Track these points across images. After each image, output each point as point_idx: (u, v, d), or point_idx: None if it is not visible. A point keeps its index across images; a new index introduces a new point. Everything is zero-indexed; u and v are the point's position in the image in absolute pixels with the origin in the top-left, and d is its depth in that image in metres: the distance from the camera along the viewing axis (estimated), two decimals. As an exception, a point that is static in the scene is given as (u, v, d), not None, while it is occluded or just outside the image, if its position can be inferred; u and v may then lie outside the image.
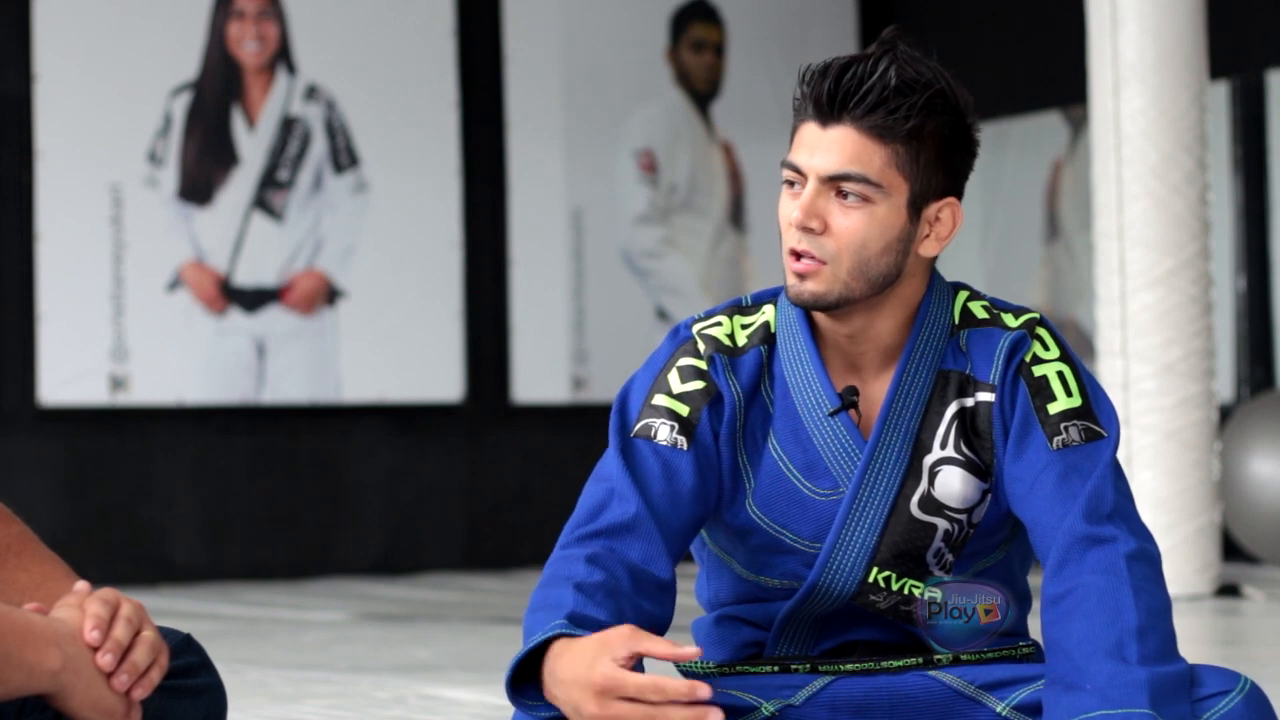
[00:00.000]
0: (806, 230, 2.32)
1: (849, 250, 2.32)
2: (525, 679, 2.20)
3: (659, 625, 2.31)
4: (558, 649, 2.14)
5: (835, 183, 2.32)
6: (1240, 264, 9.11)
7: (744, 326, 2.44)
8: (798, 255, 2.33)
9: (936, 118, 2.31)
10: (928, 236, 2.37)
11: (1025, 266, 9.94)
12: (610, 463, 2.36)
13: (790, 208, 2.34)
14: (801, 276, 2.33)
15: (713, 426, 2.39)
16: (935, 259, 2.41)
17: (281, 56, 9.14)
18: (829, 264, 2.32)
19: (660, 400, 2.39)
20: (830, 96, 2.31)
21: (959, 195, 2.38)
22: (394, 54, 9.34)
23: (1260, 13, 9.04)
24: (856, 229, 2.32)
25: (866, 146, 2.30)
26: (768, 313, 2.44)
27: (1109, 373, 6.97)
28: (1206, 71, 7.10)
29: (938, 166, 2.33)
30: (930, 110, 2.31)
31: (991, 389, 2.38)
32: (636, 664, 2.12)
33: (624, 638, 2.10)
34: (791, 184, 2.35)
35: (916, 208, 2.34)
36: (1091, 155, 7.16)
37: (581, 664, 2.10)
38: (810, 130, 2.33)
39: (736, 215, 10.11)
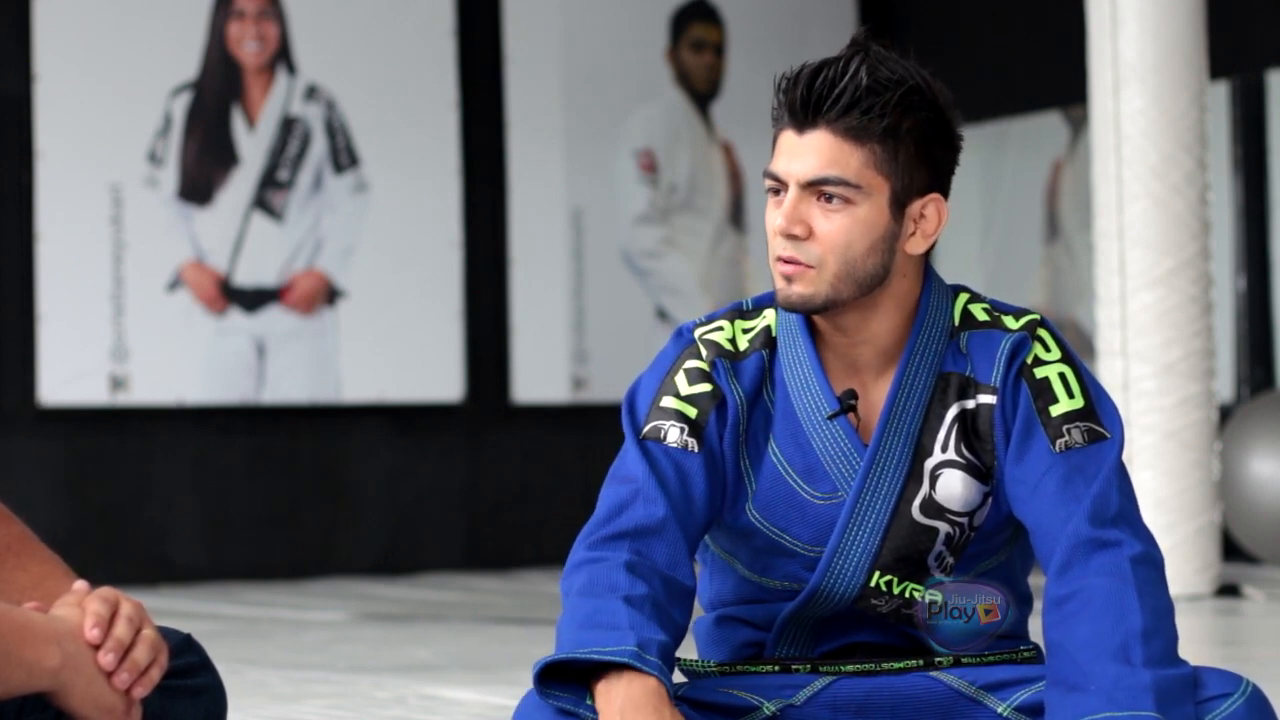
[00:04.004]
0: (791, 237, 2.33)
1: (834, 253, 2.32)
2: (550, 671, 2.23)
3: (683, 635, 2.32)
4: (621, 678, 2.18)
5: (816, 187, 2.32)
6: (1240, 264, 9.11)
7: (745, 331, 2.44)
8: (784, 261, 2.34)
9: (913, 115, 2.31)
10: (913, 234, 2.36)
11: (1025, 266, 9.94)
12: (634, 464, 2.36)
13: (775, 216, 2.35)
14: (789, 280, 2.34)
15: (718, 430, 2.39)
16: (927, 257, 2.41)
17: (281, 56, 9.13)
18: (815, 268, 2.32)
19: (669, 402, 2.40)
20: (804, 102, 2.32)
21: (944, 191, 2.38)
22: (394, 54, 9.34)
23: (1260, 13, 9.04)
24: (840, 231, 2.32)
25: (843, 149, 2.31)
26: (769, 317, 2.44)
27: (1109, 373, 6.97)
28: (1206, 71, 7.09)
29: (918, 163, 2.33)
30: (906, 107, 2.31)
31: (993, 391, 2.37)
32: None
33: None
34: (775, 192, 2.36)
35: (899, 206, 2.34)
36: (1091, 155, 7.15)
37: (641, 715, 2.16)
38: (788, 137, 2.34)
39: (736, 215, 10.11)
